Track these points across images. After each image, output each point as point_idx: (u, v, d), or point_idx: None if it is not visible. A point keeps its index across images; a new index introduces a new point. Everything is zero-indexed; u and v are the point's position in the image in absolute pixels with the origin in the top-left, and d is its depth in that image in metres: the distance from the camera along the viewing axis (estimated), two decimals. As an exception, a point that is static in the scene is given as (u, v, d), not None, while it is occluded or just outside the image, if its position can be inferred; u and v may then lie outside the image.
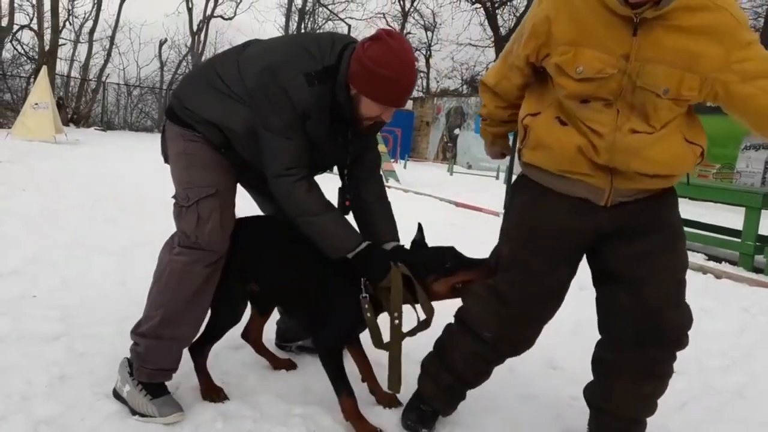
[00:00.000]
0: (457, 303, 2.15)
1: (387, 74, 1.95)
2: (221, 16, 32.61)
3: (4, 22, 24.20)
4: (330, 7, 30.90)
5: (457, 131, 21.32)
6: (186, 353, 2.24)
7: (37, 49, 25.01)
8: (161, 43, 32.18)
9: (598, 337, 2.11)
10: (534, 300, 1.99)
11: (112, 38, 29.31)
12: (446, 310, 2.18)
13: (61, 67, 26.57)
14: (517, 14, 27.83)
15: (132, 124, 28.30)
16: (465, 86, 30.06)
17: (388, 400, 2.33)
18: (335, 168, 2.34)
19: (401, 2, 31.94)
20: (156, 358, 2.14)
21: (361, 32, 29.08)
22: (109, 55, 29.42)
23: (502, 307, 1.99)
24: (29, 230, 4.78)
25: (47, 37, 23.69)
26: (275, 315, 2.71)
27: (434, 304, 2.08)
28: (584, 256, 2.06)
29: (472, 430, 2.25)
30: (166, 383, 2.18)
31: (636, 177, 1.83)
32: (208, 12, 31.74)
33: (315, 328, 2.25)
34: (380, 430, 2.13)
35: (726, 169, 12.47)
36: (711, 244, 6.11)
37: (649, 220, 1.91)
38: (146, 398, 2.09)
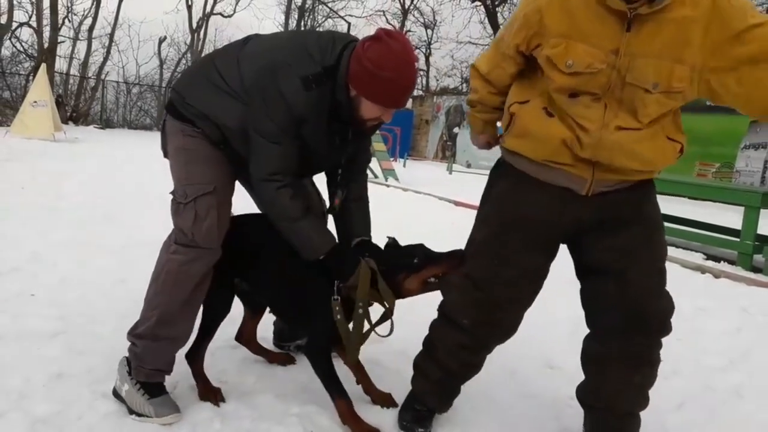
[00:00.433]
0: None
1: (387, 76, 1.93)
2: (221, 14, 32.52)
3: (3, 20, 24.13)
4: (330, 4, 30.89)
5: (456, 130, 21.29)
6: (182, 353, 2.25)
7: (36, 47, 24.94)
8: (160, 41, 32.14)
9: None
10: (507, 283, 1.99)
11: (111, 36, 29.25)
12: (433, 310, 2.20)
13: (60, 64, 26.55)
14: (517, 12, 27.82)
15: (131, 122, 28.28)
16: (465, 85, 30.05)
17: (383, 400, 2.34)
18: None
19: (401, 0, 31.94)
20: (154, 357, 2.14)
21: (361, 30, 29.09)
22: (108, 52, 29.37)
23: (476, 291, 2.01)
24: (28, 228, 4.78)
25: (46, 34, 23.63)
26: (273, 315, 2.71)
27: (419, 304, 2.09)
28: (567, 250, 2.07)
29: (469, 429, 2.25)
30: (165, 383, 2.18)
31: (618, 170, 1.84)
32: (208, 9, 31.63)
33: (303, 330, 2.27)
34: (378, 430, 2.13)
35: (725, 168, 12.46)
36: (709, 243, 6.12)
37: (630, 212, 1.93)
38: (144, 398, 2.09)
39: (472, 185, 12.46)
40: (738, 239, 5.75)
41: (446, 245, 2.26)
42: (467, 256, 2.08)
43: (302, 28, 30.14)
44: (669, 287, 1.99)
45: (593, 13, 1.72)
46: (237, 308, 2.45)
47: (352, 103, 2.03)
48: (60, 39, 25.34)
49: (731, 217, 6.24)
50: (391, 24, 31.16)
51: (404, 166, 16.27)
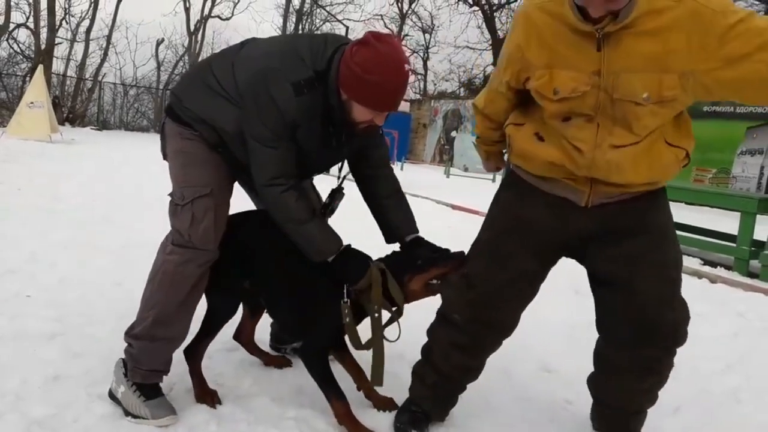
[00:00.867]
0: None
1: (375, 80, 1.92)
2: (218, 17, 32.59)
3: (0, 21, 24.12)
4: (328, 8, 30.92)
5: (453, 134, 21.33)
6: (179, 353, 2.24)
7: (33, 48, 24.90)
8: (158, 43, 32.19)
9: (593, 340, 2.14)
10: (500, 283, 2.01)
11: (108, 37, 29.30)
12: (429, 313, 2.20)
13: (58, 66, 26.53)
14: (515, 17, 27.89)
15: (128, 124, 28.26)
16: (462, 89, 30.10)
17: (384, 403, 2.33)
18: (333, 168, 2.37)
19: (399, 4, 32.02)
20: (150, 358, 2.14)
21: (359, 34, 28.92)
22: (105, 54, 29.42)
23: (469, 290, 2.04)
24: (25, 229, 4.77)
25: (44, 35, 23.65)
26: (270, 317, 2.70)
27: (415, 309, 2.09)
28: (575, 260, 2.09)
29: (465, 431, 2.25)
30: (161, 385, 2.17)
31: (617, 184, 1.86)
32: (206, 12, 31.73)
33: (299, 332, 2.26)
34: None
35: (722, 173, 12.50)
36: (706, 248, 6.13)
37: (634, 221, 1.93)
38: (140, 400, 2.09)
39: (469, 189, 12.51)
40: (734, 245, 5.77)
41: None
42: (468, 257, 2.11)
43: (300, 32, 30.15)
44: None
45: (568, 40, 1.75)
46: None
47: (343, 106, 2.03)
48: (57, 40, 25.32)
49: (728, 222, 6.26)
50: (389, 28, 31.21)
51: (401, 169, 16.28)
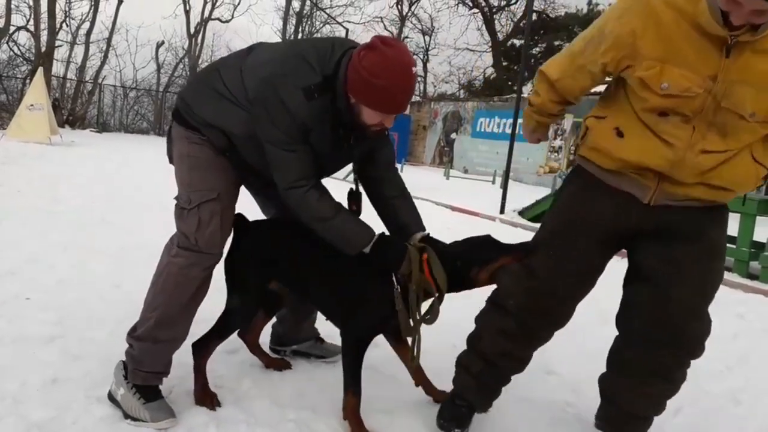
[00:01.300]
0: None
1: (383, 84, 1.94)
2: (218, 19, 32.58)
3: (1, 23, 24.14)
4: (328, 11, 30.90)
5: (453, 135, 21.32)
6: (179, 356, 2.24)
7: (33, 51, 24.90)
8: (158, 46, 32.16)
9: (595, 343, 2.14)
10: (564, 274, 2.04)
11: (108, 40, 29.25)
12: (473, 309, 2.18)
13: (58, 68, 26.53)
14: (515, 19, 27.99)
15: (128, 126, 28.26)
16: (462, 91, 30.13)
17: (444, 398, 2.36)
18: (342, 171, 2.36)
19: (399, 6, 32.06)
20: (151, 360, 2.14)
21: (359, 36, 29.06)
22: (105, 56, 29.40)
23: (530, 279, 2.06)
24: (25, 232, 4.77)
25: (44, 38, 23.63)
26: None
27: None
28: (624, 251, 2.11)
29: (466, 435, 2.24)
30: (160, 387, 2.17)
31: (688, 186, 1.86)
32: (206, 14, 31.70)
33: (343, 319, 2.26)
34: None
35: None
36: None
37: (690, 228, 1.94)
38: (139, 402, 2.08)
39: (469, 191, 12.52)
40: (734, 246, 5.76)
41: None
42: (532, 247, 2.13)
43: (300, 35, 30.17)
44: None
45: (691, 38, 1.71)
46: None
47: (352, 110, 2.05)
48: (57, 43, 25.32)
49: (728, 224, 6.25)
50: (389, 30, 31.25)
51: (401, 171, 16.26)
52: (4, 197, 6.24)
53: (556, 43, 25.37)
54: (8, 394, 2.17)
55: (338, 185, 2.22)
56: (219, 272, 2.24)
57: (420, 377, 2.42)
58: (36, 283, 3.45)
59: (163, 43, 32.48)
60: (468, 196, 10.83)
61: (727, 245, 5.90)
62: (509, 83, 24.56)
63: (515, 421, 2.38)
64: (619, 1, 1.87)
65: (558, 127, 16.30)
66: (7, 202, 5.95)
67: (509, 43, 28.10)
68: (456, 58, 40.39)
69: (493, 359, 2.19)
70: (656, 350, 1.98)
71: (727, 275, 5.43)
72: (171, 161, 2.28)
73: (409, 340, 2.21)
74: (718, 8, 1.64)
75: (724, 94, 1.73)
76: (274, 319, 2.70)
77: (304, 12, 31.81)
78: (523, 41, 16.56)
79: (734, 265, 5.68)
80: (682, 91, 1.74)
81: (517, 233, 7.29)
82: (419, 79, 31.89)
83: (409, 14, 31.92)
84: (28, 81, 21.26)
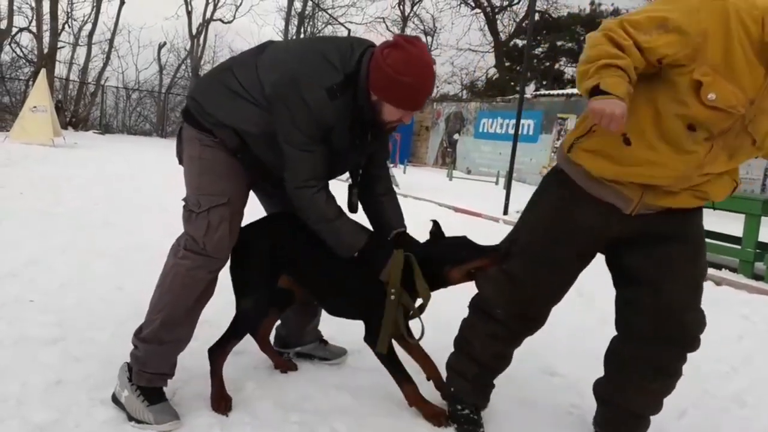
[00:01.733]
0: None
1: (408, 81, 1.99)
2: (220, 20, 32.55)
3: (3, 25, 24.15)
4: (329, 11, 30.87)
5: (456, 136, 21.29)
6: (182, 359, 2.23)
7: (35, 52, 24.93)
8: (160, 47, 32.17)
9: (597, 344, 2.15)
10: (547, 285, 2.13)
11: (111, 41, 29.25)
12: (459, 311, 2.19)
13: (60, 70, 26.50)
14: (517, 19, 27.94)
15: (130, 128, 28.26)
16: (465, 91, 30.11)
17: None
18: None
19: (401, 7, 32.02)
20: (156, 361, 2.14)
21: (361, 37, 29.07)
22: (108, 58, 29.37)
23: (512, 287, 2.13)
24: (27, 233, 4.76)
25: (46, 39, 23.62)
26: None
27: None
28: (604, 258, 2.17)
29: (470, 437, 2.23)
30: (165, 389, 2.17)
31: (668, 194, 1.92)
32: (208, 15, 31.67)
33: (365, 326, 2.33)
34: (444, 411, 2.28)
35: (725, 175, 12.48)
36: (711, 250, 6.06)
37: (672, 230, 2.00)
38: (143, 404, 2.08)
39: (472, 192, 12.50)
40: (739, 247, 5.75)
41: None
42: (510, 254, 2.15)
43: (302, 35, 30.17)
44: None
45: (747, 57, 1.68)
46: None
47: (374, 107, 2.08)
48: (60, 44, 25.35)
49: (732, 224, 6.22)
50: (390, 31, 31.23)
51: (404, 172, 16.28)
52: (5, 199, 6.24)
53: (559, 43, 25.38)
54: (10, 396, 2.16)
55: (336, 184, 2.21)
56: (223, 272, 2.23)
57: (431, 370, 2.43)
58: (36, 285, 3.44)
59: (165, 44, 32.52)
60: (471, 197, 10.81)
61: (732, 246, 5.86)
62: (512, 84, 24.51)
63: (517, 423, 2.37)
64: None
65: (561, 128, 16.27)
66: (9, 204, 5.95)
67: (512, 43, 28.09)
68: (458, 58, 40.32)
69: (486, 362, 2.26)
70: (659, 346, 2.02)
71: (731, 276, 5.43)
72: (181, 162, 2.27)
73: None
74: None
75: (752, 119, 1.74)
76: (278, 322, 2.69)
77: (306, 13, 31.83)
78: (525, 41, 16.53)
79: (739, 265, 5.66)
80: (728, 107, 1.71)
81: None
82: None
83: (411, 15, 31.92)
84: (30, 83, 21.26)
